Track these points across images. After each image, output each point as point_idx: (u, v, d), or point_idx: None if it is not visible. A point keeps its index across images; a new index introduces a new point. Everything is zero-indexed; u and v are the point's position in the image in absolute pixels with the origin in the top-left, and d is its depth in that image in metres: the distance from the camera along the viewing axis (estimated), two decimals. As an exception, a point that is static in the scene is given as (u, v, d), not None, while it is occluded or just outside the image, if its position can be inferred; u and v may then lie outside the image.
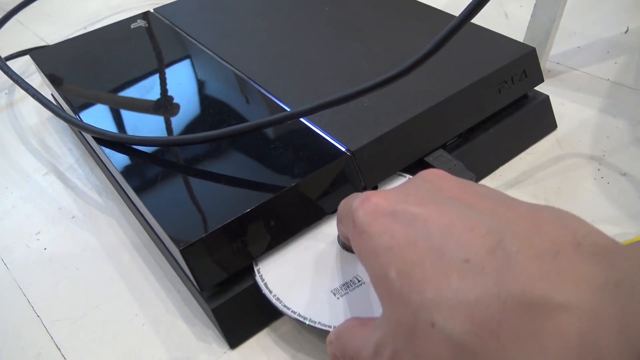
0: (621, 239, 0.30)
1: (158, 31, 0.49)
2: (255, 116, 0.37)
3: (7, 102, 0.54)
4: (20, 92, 0.55)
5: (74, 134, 0.49)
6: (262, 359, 0.30)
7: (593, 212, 0.36)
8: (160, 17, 0.51)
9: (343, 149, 0.33)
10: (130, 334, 0.32)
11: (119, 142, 0.35)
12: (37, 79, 0.57)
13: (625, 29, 0.53)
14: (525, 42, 0.48)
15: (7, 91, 0.56)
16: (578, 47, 0.52)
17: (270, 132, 0.35)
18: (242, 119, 0.37)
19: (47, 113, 0.51)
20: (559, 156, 0.40)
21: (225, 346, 0.31)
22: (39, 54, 0.48)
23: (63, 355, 0.31)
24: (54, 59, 0.47)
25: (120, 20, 0.51)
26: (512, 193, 0.37)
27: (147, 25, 0.50)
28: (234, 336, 0.31)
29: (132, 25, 0.50)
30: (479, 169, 0.39)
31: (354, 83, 0.35)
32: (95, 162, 0.45)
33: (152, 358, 0.30)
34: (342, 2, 0.49)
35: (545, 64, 0.50)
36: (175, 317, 0.32)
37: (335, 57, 0.41)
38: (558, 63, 0.50)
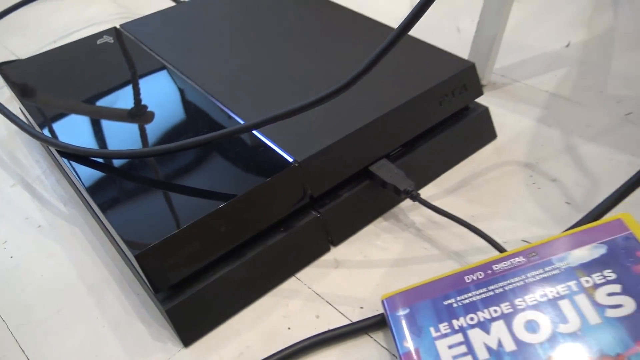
0: (537, 238, 0.33)
1: (123, 47, 0.51)
2: (210, 128, 0.39)
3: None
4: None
5: (41, 147, 0.50)
6: (213, 356, 0.32)
7: (523, 215, 0.39)
8: (126, 33, 0.53)
9: (290, 160, 0.35)
10: (91, 336, 0.34)
11: (80, 155, 0.37)
12: (6, 93, 0.59)
13: (567, 43, 0.57)
14: (470, 56, 0.52)
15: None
16: (522, 60, 0.56)
17: (222, 144, 0.37)
18: (197, 132, 0.39)
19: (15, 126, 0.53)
20: (496, 164, 0.43)
21: (179, 344, 0.33)
22: (8, 69, 0.49)
23: (27, 357, 0.33)
24: (22, 74, 0.48)
25: (88, 35, 0.53)
26: (451, 199, 0.40)
27: (112, 41, 0.52)
28: (188, 335, 0.33)
29: (99, 41, 0.52)
30: (422, 177, 0.42)
31: (304, 95, 0.38)
32: (61, 173, 0.47)
33: (111, 358, 0.33)
34: (295, 18, 0.51)
35: (490, 77, 0.53)
36: (134, 319, 0.35)
37: (288, 71, 0.44)
38: (502, 75, 0.54)
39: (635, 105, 0.48)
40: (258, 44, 0.48)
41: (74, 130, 0.41)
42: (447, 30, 0.62)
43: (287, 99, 0.41)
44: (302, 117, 0.38)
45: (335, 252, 0.38)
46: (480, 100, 0.50)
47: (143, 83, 0.45)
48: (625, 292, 0.27)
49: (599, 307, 0.27)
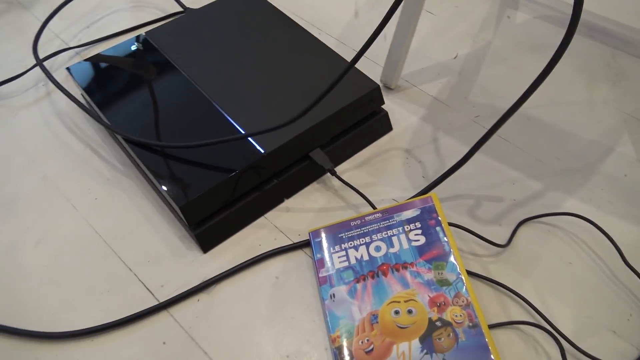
0: (403, 199, 0.62)
1: (148, 54, 0.75)
2: (209, 129, 0.65)
3: (45, 92, 0.80)
4: (51, 86, 0.80)
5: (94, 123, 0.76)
6: (216, 258, 0.61)
7: (396, 184, 0.67)
8: (150, 40, 0.76)
9: (262, 151, 0.62)
10: (148, 244, 0.62)
11: (130, 140, 0.64)
12: (61, 74, 0.82)
13: (455, 55, 0.83)
14: (386, 63, 0.77)
15: (43, 82, 0.81)
16: (422, 68, 0.82)
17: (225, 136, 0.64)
18: (205, 131, 0.65)
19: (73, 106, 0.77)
20: (387, 149, 0.71)
21: (201, 251, 0.62)
22: (74, 69, 0.73)
23: (110, 247, 0.62)
24: (86, 73, 0.72)
25: (125, 41, 0.76)
26: (356, 172, 0.68)
27: (141, 47, 0.76)
28: (205, 247, 0.62)
29: (132, 47, 0.76)
30: (341, 158, 0.70)
31: (283, 102, 0.64)
32: (116, 144, 0.73)
33: (160, 256, 0.61)
34: (268, 38, 0.75)
35: (397, 81, 0.79)
36: (173, 236, 0.63)
37: (266, 82, 0.69)
38: (406, 81, 0.80)
39: (482, 110, 0.75)
40: (242, 55, 0.73)
41: (131, 121, 0.66)
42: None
43: (271, 106, 0.67)
44: (269, 121, 0.65)
45: (287, 203, 0.66)
46: (387, 99, 0.77)
47: (163, 87, 0.70)
48: (422, 234, 0.57)
49: (409, 240, 0.57)
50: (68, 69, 0.73)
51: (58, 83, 0.72)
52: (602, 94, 0.77)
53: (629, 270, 0.58)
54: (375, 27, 0.85)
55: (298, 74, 0.70)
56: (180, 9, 0.91)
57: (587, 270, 0.59)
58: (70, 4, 0.93)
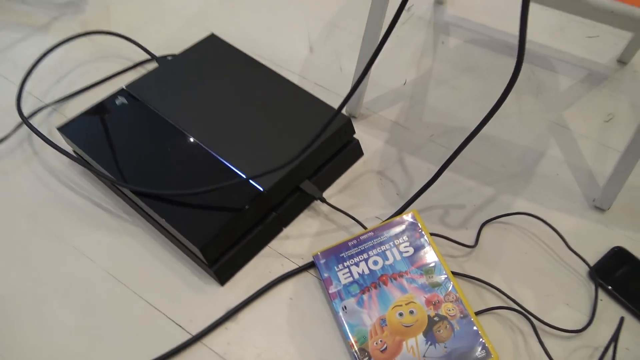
0: (383, 218, 0.73)
1: (134, 107, 0.80)
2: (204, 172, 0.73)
3: (32, 151, 0.83)
4: (37, 145, 0.84)
5: (91, 176, 0.80)
6: (232, 288, 0.69)
7: (375, 202, 0.78)
8: (132, 93, 0.82)
9: (261, 189, 0.71)
10: (169, 281, 0.69)
11: (138, 192, 0.70)
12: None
13: (404, 82, 0.95)
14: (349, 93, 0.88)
15: (27, 142, 0.84)
16: (378, 96, 0.93)
17: (223, 178, 0.72)
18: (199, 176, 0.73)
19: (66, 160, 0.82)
20: (362, 172, 0.82)
21: (219, 285, 0.69)
22: (66, 129, 0.78)
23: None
24: (78, 131, 0.77)
25: (109, 95, 0.81)
26: (341, 195, 0.78)
27: (126, 102, 0.81)
28: (222, 280, 0.70)
29: (117, 102, 0.81)
30: (325, 185, 0.79)
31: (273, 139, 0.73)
32: (119, 197, 0.78)
33: (184, 293, 0.68)
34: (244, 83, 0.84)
35: (360, 110, 0.90)
36: (190, 274, 0.70)
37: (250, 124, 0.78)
38: (367, 108, 0.91)
39: (435, 129, 0.88)
40: (222, 100, 0.81)
41: (135, 173, 0.73)
42: (333, 69, 0.97)
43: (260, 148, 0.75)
44: (261, 161, 0.73)
45: (286, 231, 0.75)
46: (355, 127, 0.87)
47: (152, 139, 0.77)
48: (410, 245, 0.68)
49: (400, 252, 0.68)
50: (60, 128, 0.78)
51: (50, 141, 0.76)
52: (528, 105, 0.92)
53: (572, 253, 0.73)
54: (329, 61, 0.96)
55: (276, 114, 0.79)
56: (148, 57, 0.96)
57: (540, 257, 0.73)
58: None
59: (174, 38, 1.01)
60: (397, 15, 0.56)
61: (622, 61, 0.99)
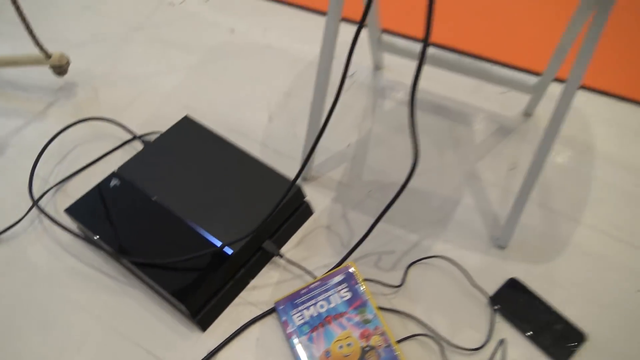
0: (331, 266, 0.93)
1: (125, 188, 1.00)
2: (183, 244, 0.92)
3: (42, 228, 1.02)
4: (46, 223, 1.03)
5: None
6: (214, 332, 0.89)
7: (324, 253, 0.98)
8: (123, 176, 1.01)
9: (230, 252, 0.91)
10: (154, 327, 0.89)
11: (135, 262, 0.89)
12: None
13: (348, 144, 1.15)
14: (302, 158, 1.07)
15: (38, 220, 1.03)
16: (326, 158, 1.13)
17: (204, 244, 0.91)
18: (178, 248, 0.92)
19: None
20: (313, 228, 1.02)
21: (200, 331, 0.89)
22: (71, 210, 0.97)
23: (142, 347, 0.87)
24: (82, 211, 0.96)
25: (104, 179, 1.00)
26: (296, 250, 0.98)
27: (118, 184, 1.00)
28: (203, 326, 0.89)
29: (111, 184, 1.00)
30: (282, 242, 0.99)
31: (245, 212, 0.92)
32: (108, 256, 0.97)
33: (166, 338, 0.88)
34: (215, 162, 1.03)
35: (311, 172, 1.10)
36: (174, 322, 0.90)
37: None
38: (317, 171, 1.11)
39: (373, 185, 1.08)
40: (198, 176, 1.00)
41: (130, 244, 0.92)
42: (288, 135, 1.16)
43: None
44: (233, 229, 0.93)
45: (252, 283, 0.95)
46: (306, 188, 1.07)
47: (144, 221, 0.96)
48: (349, 291, 0.88)
49: (341, 297, 0.88)
50: (66, 210, 0.97)
51: (58, 222, 0.95)
52: (448, 159, 1.12)
53: (474, 288, 0.93)
54: (286, 128, 1.15)
55: (241, 186, 0.99)
56: (131, 136, 1.16)
57: (452, 291, 0.93)
58: (40, 143, 1.15)
59: (154, 115, 1.20)
60: (341, 86, 0.75)
61: (528, 113, 1.20)
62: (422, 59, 0.63)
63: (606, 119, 1.17)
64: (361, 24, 0.66)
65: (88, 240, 0.93)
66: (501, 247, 0.98)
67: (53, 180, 1.09)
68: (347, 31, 1.36)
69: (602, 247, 0.97)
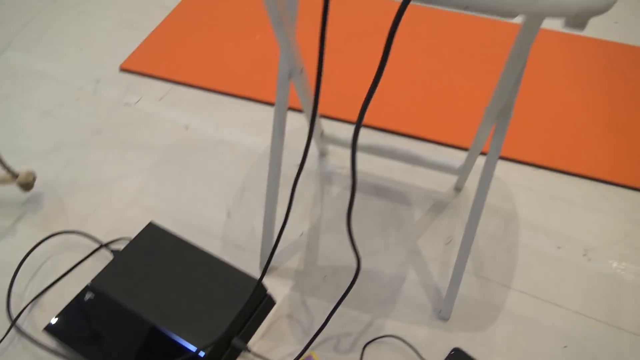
0: (295, 354, 1.03)
1: (100, 300, 1.08)
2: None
3: (22, 346, 1.08)
4: (24, 340, 1.09)
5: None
6: None
7: (288, 340, 1.08)
8: (97, 288, 1.09)
9: (201, 355, 1.00)
10: None
11: (121, 375, 0.97)
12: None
13: (301, 233, 1.27)
14: (261, 255, 1.18)
15: (17, 337, 1.09)
16: (283, 249, 1.24)
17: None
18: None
19: (51, 347, 1.07)
20: (276, 318, 1.12)
21: None
22: (49, 328, 1.04)
23: None
24: (61, 328, 1.03)
25: (78, 293, 1.08)
26: (262, 341, 1.08)
27: (92, 297, 1.09)
28: None
29: (86, 298, 1.08)
30: (249, 335, 1.09)
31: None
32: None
33: None
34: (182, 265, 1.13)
35: (270, 264, 1.21)
36: None
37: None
38: (276, 261, 1.21)
39: (327, 271, 1.19)
40: (168, 281, 1.09)
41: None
42: (248, 230, 1.27)
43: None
44: (207, 332, 1.02)
45: (225, 378, 1.04)
46: (266, 279, 1.18)
47: (122, 334, 1.04)
48: (312, 379, 0.99)
49: (305, 386, 0.98)
50: (45, 329, 1.04)
51: (37, 341, 1.02)
52: (392, 239, 1.25)
53: None
54: (244, 222, 1.26)
55: (207, 288, 1.08)
56: (97, 245, 1.24)
57: (405, 365, 1.04)
58: (12, 259, 1.22)
59: (118, 222, 1.29)
60: (295, 182, 0.87)
61: (458, 188, 1.35)
62: (354, 162, 0.76)
63: (526, 187, 1.33)
64: (310, 135, 0.79)
65: (68, 356, 1.01)
66: (444, 319, 1.11)
67: (29, 296, 1.16)
68: (295, 119, 1.50)
69: (531, 309, 1.11)
